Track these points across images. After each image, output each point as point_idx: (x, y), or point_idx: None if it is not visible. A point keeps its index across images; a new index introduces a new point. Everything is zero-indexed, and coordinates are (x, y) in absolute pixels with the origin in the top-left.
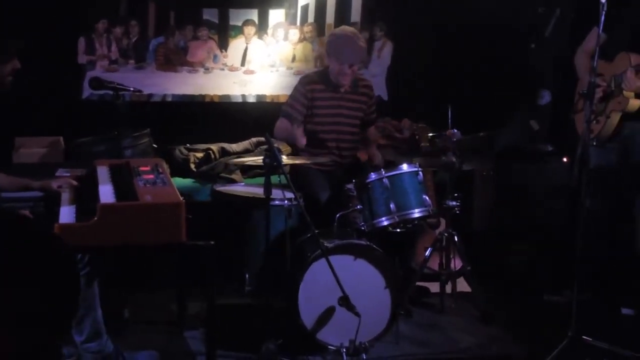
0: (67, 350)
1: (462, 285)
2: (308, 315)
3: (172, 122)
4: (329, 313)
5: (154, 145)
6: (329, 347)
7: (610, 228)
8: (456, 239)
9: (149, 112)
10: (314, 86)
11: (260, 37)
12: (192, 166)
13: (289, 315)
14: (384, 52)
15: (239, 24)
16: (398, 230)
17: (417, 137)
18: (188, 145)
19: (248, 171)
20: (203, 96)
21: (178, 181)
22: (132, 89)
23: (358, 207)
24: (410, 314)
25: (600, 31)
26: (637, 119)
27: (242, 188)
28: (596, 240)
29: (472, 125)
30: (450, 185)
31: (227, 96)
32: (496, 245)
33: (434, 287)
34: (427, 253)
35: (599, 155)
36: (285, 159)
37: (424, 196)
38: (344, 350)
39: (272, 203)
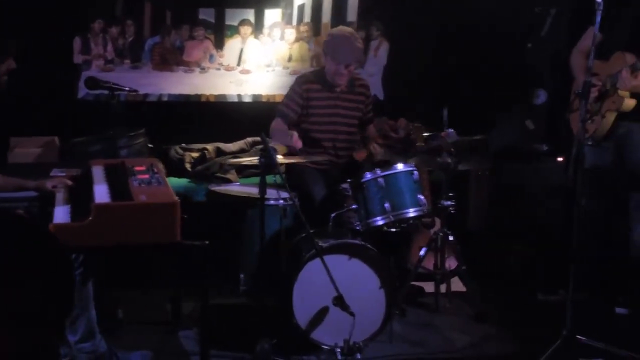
0: (61, 350)
1: (457, 285)
2: (302, 314)
3: (168, 122)
4: (323, 313)
5: (150, 145)
6: (323, 346)
7: (606, 227)
8: (451, 238)
9: (144, 112)
10: (309, 86)
11: (256, 37)
12: (188, 166)
13: (283, 315)
14: (380, 51)
15: (235, 23)
16: (393, 229)
17: (412, 136)
18: (184, 145)
19: (243, 171)
20: (199, 96)
21: (173, 181)
22: (127, 88)
23: (353, 206)
24: (405, 314)
25: (597, 31)
26: (632, 118)
27: (238, 188)
28: (591, 240)
29: (468, 124)
30: (446, 185)
31: (223, 96)
32: (491, 245)
33: (429, 286)
34: (422, 253)
35: (594, 154)
36: (280, 158)
37: (419, 195)
38: (338, 349)
39: (267, 203)
